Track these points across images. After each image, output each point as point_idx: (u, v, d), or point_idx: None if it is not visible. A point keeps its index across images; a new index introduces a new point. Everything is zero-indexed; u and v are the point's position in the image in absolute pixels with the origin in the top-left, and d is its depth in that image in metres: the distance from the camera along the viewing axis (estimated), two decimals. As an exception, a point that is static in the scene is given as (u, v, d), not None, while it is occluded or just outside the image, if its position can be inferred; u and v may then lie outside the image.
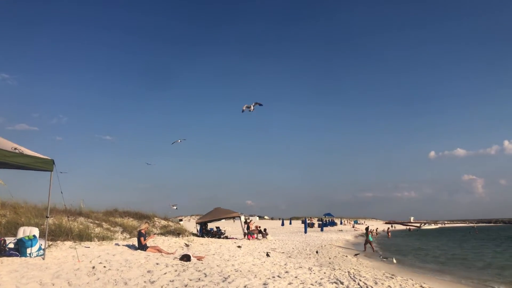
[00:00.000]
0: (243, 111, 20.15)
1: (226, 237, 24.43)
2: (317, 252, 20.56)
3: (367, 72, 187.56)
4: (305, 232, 43.95)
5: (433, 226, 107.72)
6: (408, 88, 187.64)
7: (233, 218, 29.20)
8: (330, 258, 18.06)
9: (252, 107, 19.86)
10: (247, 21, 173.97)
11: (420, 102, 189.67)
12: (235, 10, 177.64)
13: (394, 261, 19.39)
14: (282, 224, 70.18)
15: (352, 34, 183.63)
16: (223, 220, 32.60)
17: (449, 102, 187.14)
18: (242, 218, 28.68)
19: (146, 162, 36.30)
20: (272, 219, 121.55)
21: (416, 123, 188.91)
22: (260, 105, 20.02)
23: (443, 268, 17.86)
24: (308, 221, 59.65)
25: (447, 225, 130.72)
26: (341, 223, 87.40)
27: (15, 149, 8.79)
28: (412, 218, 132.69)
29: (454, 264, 19.76)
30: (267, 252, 16.54)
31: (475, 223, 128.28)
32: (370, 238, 26.00)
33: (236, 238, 24.22)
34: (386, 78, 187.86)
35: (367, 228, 27.85)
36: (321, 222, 65.02)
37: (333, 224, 76.16)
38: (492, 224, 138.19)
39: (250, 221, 30.32)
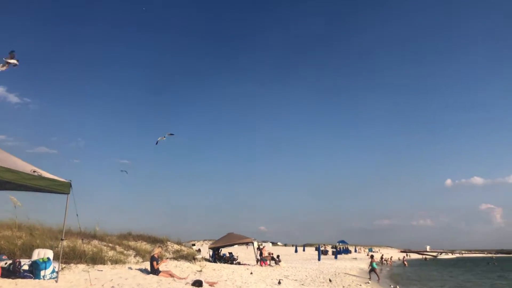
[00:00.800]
0: (157, 143, 23.27)
1: (239, 263, 24.15)
2: (330, 280, 20.21)
3: (383, 101, 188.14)
4: (319, 259, 43.18)
5: (450, 256, 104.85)
6: (424, 116, 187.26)
7: (246, 243, 28.92)
8: (343, 287, 17.72)
9: (165, 137, 22.96)
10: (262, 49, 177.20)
11: (435, 130, 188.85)
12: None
13: None
14: (296, 251, 69.25)
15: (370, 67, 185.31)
16: (236, 246, 32.27)
17: (464, 130, 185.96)
18: (255, 244, 28.43)
19: (121, 170, 36.65)
20: (285, 245, 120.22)
21: (431, 151, 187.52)
22: (172, 134, 23.39)
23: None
24: (322, 248, 58.69)
25: (464, 255, 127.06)
26: (355, 251, 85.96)
27: (34, 171, 8.93)
28: (428, 247, 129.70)
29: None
30: (279, 280, 16.30)
31: (494, 254, 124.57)
32: (374, 266, 25.59)
33: (248, 264, 23.92)
34: (401, 107, 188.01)
35: (372, 256, 27.63)
36: (335, 250, 64.00)
37: (347, 251, 75.05)
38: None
39: (263, 247, 29.97)
